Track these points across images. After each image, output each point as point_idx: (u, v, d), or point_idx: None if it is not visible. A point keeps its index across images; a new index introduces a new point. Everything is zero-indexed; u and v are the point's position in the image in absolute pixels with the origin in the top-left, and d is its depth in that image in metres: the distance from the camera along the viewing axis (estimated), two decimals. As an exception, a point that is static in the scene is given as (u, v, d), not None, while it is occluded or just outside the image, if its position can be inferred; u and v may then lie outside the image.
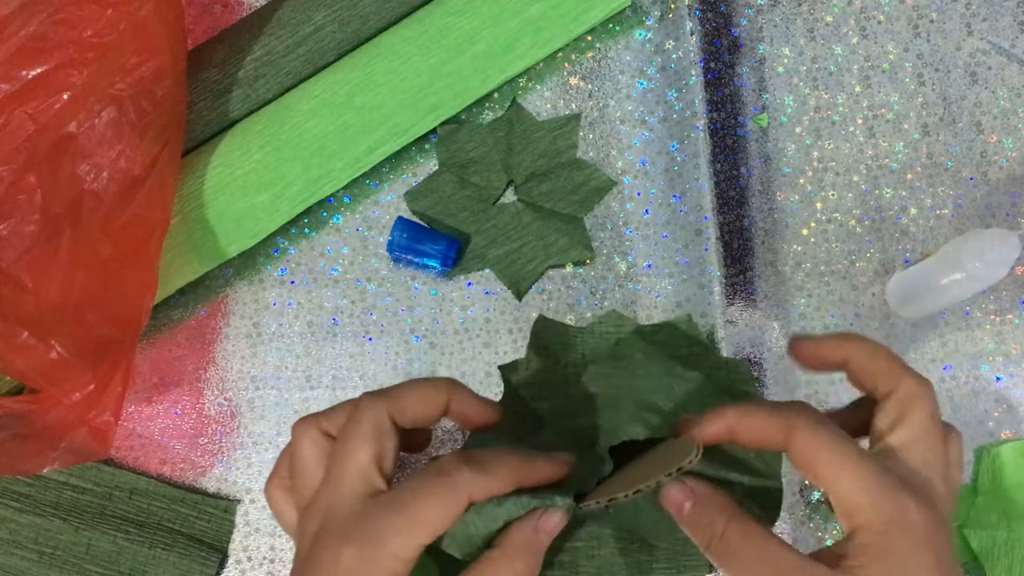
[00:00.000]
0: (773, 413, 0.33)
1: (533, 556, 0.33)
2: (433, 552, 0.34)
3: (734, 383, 0.45)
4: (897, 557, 0.30)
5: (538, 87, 0.54)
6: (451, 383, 0.37)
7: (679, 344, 0.47)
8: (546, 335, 0.47)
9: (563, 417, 0.44)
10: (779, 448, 0.33)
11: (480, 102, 0.54)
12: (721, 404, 0.35)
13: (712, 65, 0.55)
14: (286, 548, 0.50)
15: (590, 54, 0.55)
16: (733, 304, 0.52)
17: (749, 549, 0.31)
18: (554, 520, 0.34)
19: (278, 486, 0.36)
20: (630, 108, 0.54)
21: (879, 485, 0.31)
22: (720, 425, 0.34)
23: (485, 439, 0.42)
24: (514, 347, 0.51)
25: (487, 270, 0.52)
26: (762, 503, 0.37)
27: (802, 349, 0.37)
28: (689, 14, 0.55)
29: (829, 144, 0.54)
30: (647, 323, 0.49)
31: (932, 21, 0.55)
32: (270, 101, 0.52)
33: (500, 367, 0.46)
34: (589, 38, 0.55)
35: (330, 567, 0.31)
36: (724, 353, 0.50)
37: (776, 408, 0.33)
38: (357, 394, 0.51)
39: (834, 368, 0.36)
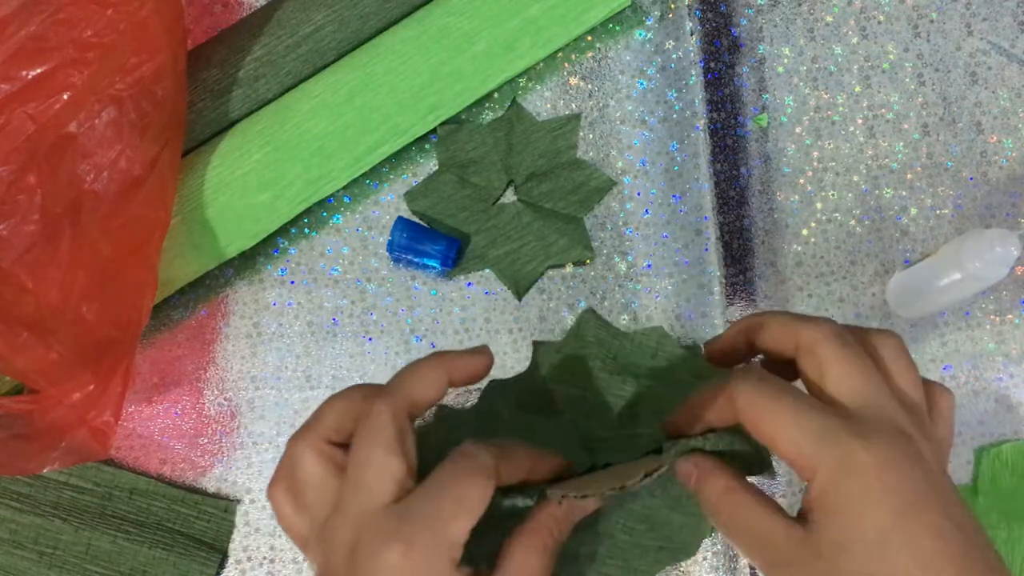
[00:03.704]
0: (718, 390, 0.33)
1: (567, 524, 0.35)
2: None
3: None
4: (851, 506, 0.29)
5: (538, 87, 0.54)
6: (442, 357, 0.36)
7: (712, 378, 0.47)
8: (587, 328, 0.47)
9: (574, 408, 0.44)
10: (729, 417, 0.33)
11: (480, 102, 0.54)
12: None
13: (712, 65, 0.55)
14: (286, 548, 0.50)
15: (590, 54, 0.55)
16: (733, 304, 0.52)
17: (736, 515, 0.32)
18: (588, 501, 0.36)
19: (284, 490, 0.35)
20: (630, 108, 0.54)
21: (819, 431, 0.30)
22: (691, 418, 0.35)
23: (453, 416, 0.42)
24: (514, 347, 0.51)
25: (487, 270, 0.52)
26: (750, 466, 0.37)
27: (714, 349, 0.37)
28: (689, 14, 0.55)
29: (829, 144, 0.54)
30: (686, 345, 0.49)
31: (932, 21, 0.55)
32: (270, 101, 0.52)
33: (534, 342, 0.47)
34: (589, 38, 0.55)
35: (382, 570, 0.31)
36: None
37: (722, 383, 0.33)
38: (357, 394, 0.51)
39: (749, 354, 0.36)
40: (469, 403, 0.49)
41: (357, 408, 0.35)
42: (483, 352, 0.38)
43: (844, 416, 0.30)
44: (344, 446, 0.35)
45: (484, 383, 0.47)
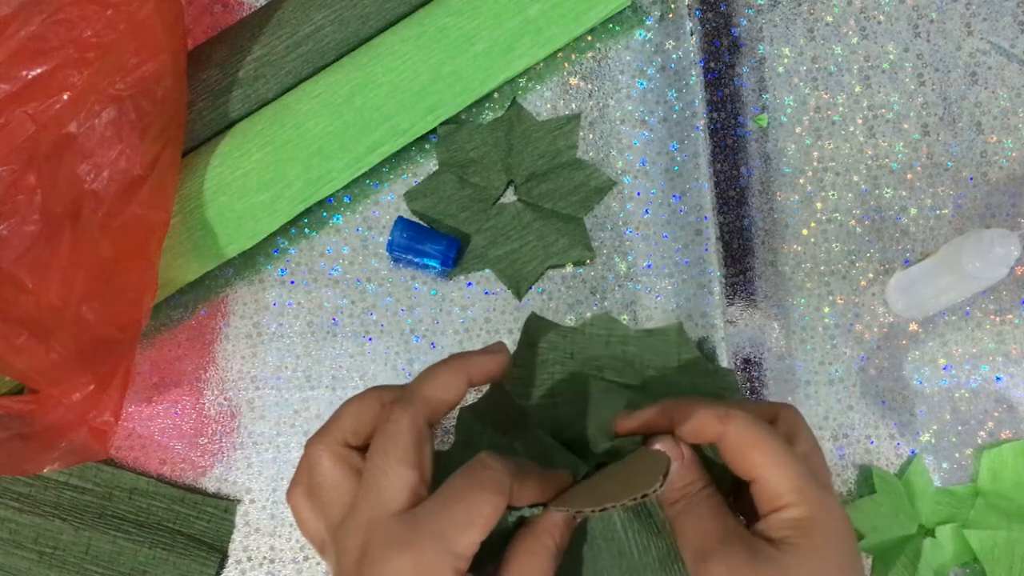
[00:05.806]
0: (710, 405, 0.35)
1: (567, 528, 0.35)
2: None
3: (720, 391, 0.45)
4: (822, 539, 0.32)
5: (538, 87, 0.54)
6: (461, 360, 0.36)
7: (670, 351, 0.47)
8: (535, 333, 0.47)
9: (547, 416, 0.44)
10: (712, 439, 0.35)
11: (480, 102, 0.54)
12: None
13: (712, 65, 0.55)
14: (286, 548, 0.50)
15: (590, 54, 0.55)
16: (733, 304, 0.52)
17: (696, 510, 0.35)
18: None
19: (302, 493, 0.35)
20: (630, 108, 0.54)
21: (806, 476, 0.33)
22: (662, 419, 0.36)
23: (470, 429, 0.42)
24: (514, 347, 0.51)
25: (487, 270, 0.52)
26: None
27: (626, 427, 0.38)
28: (689, 14, 0.55)
29: (829, 144, 0.54)
30: (638, 328, 0.49)
31: (932, 21, 0.55)
32: (270, 101, 0.52)
33: None
34: (589, 38, 0.55)
35: None
36: (724, 354, 0.50)
37: (712, 402, 0.36)
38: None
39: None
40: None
41: (375, 412, 0.35)
42: (499, 351, 0.38)
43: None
44: (362, 449, 0.35)
45: (457, 410, 0.47)
